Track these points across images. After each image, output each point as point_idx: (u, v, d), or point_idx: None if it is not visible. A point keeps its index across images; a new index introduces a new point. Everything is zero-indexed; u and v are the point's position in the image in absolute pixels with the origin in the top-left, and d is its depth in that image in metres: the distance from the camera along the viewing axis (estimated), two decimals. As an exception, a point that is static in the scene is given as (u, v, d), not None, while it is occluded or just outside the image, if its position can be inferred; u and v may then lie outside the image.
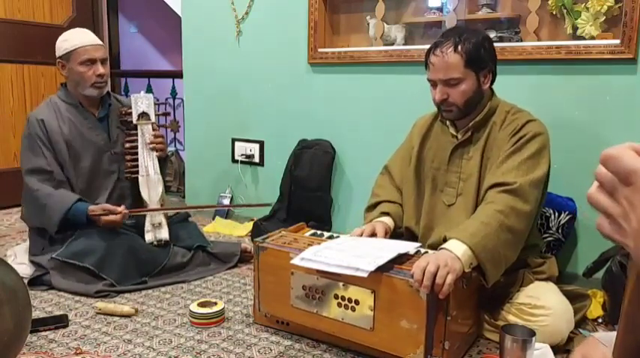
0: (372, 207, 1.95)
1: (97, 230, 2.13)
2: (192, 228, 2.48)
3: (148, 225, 2.25)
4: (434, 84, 1.74)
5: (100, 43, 2.28)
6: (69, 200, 2.12)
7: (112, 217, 2.11)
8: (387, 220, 1.87)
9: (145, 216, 2.28)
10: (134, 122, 2.30)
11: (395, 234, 1.87)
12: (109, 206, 2.13)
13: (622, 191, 0.45)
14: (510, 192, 1.59)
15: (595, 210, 0.49)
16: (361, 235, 1.78)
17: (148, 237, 2.23)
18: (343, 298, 1.54)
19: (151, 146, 2.31)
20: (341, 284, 1.53)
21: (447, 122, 1.83)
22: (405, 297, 1.43)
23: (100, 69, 2.21)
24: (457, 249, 1.48)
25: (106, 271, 2.05)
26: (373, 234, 1.78)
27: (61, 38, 2.25)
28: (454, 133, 1.81)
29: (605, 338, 0.68)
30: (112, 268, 2.06)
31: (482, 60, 1.69)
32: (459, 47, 1.67)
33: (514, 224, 1.56)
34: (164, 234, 2.25)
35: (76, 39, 2.22)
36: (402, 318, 1.44)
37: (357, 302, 1.51)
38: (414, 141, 1.92)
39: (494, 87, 1.80)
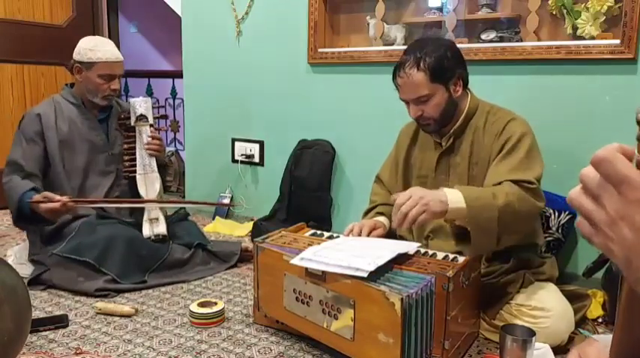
0: (368, 212, 1.97)
1: (97, 225, 2.16)
2: (192, 226, 2.49)
3: (145, 220, 2.28)
4: (406, 102, 1.75)
5: (122, 59, 2.30)
6: (23, 188, 2.11)
7: (50, 205, 2.04)
8: (382, 218, 1.88)
9: (142, 212, 2.30)
10: (132, 124, 2.35)
11: (391, 235, 1.87)
12: (49, 194, 2.08)
13: (610, 198, 0.44)
14: (526, 189, 1.58)
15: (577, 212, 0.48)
16: (352, 230, 1.79)
17: (145, 231, 2.25)
18: (327, 305, 1.51)
19: (147, 149, 2.34)
20: (326, 290, 1.50)
21: None
22: (381, 309, 1.35)
23: (116, 84, 2.27)
24: (452, 198, 1.51)
25: (106, 265, 2.06)
26: (369, 231, 1.80)
27: (87, 44, 2.24)
28: (438, 141, 1.82)
29: (604, 340, 0.68)
30: (112, 262, 2.07)
31: (447, 71, 1.69)
32: (421, 64, 1.66)
33: (521, 208, 1.56)
34: (161, 228, 2.27)
35: (102, 52, 2.22)
36: (379, 331, 1.37)
37: (339, 310, 1.47)
38: (400, 149, 1.94)
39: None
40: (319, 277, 1.49)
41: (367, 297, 1.39)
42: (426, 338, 1.40)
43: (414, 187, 1.59)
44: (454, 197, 1.52)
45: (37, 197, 2.06)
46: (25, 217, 2.12)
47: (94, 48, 2.22)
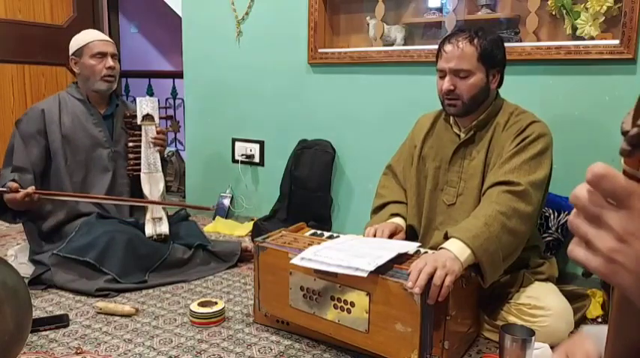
0: (378, 209, 1.93)
1: (98, 225, 2.17)
2: (193, 226, 2.49)
3: (148, 219, 2.29)
4: (442, 74, 1.72)
5: (111, 40, 2.41)
6: (4, 181, 2.14)
7: (11, 195, 2.06)
8: (400, 221, 1.86)
9: (145, 212, 2.32)
10: (138, 123, 2.38)
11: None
12: (12, 184, 2.08)
13: (615, 217, 0.41)
14: (514, 193, 1.58)
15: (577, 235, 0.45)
16: (374, 235, 1.76)
17: (148, 230, 2.25)
18: (339, 300, 1.53)
19: (152, 141, 2.37)
20: (338, 286, 1.53)
21: (451, 120, 1.82)
22: (399, 300, 1.41)
23: (110, 62, 2.31)
24: (458, 250, 1.47)
25: (106, 265, 2.07)
26: (390, 235, 1.78)
27: (74, 38, 2.37)
28: (457, 132, 1.80)
29: (594, 332, 0.67)
30: (112, 262, 2.08)
31: (494, 58, 1.70)
32: (475, 40, 1.67)
33: (516, 226, 1.56)
34: (164, 228, 2.28)
35: (87, 36, 2.35)
36: (397, 321, 1.42)
37: (352, 304, 1.50)
38: (416, 139, 1.91)
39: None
40: (330, 273, 1.50)
41: (383, 289, 1.44)
42: (436, 328, 1.42)
43: (421, 257, 1.47)
44: (457, 248, 1.48)
45: (10, 183, 2.09)
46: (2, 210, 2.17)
47: (80, 36, 2.36)
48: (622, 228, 0.41)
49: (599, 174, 0.41)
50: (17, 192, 2.06)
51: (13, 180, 2.13)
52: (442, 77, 1.73)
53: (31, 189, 2.08)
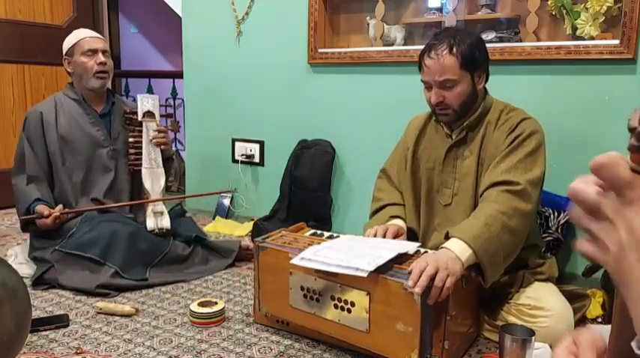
0: (376, 212, 1.93)
1: (98, 220, 2.19)
2: (189, 222, 2.51)
3: (149, 213, 2.30)
4: (428, 86, 1.72)
5: (101, 37, 2.42)
6: (27, 199, 2.20)
7: (43, 221, 2.14)
8: (400, 223, 1.86)
9: (146, 207, 2.34)
10: (139, 119, 2.39)
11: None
12: (40, 208, 2.15)
13: (608, 203, 0.43)
14: (513, 193, 1.58)
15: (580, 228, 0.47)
16: (375, 236, 1.76)
17: (150, 224, 2.26)
18: (340, 300, 1.53)
19: (154, 141, 2.39)
20: (338, 285, 1.53)
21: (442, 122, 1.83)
22: (400, 300, 1.42)
23: (101, 58, 2.31)
24: (459, 250, 1.47)
25: (110, 259, 2.08)
26: (394, 237, 1.77)
27: (65, 39, 2.37)
28: (448, 133, 1.81)
29: (599, 328, 0.68)
30: (115, 256, 2.09)
31: (476, 61, 1.69)
32: (454, 49, 1.65)
33: (516, 225, 1.56)
34: (166, 222, 2.29)
35: (77, 34, 2.36)
36: (398, 321, 1.43)
37: (352, 303, 1.51)
38: (408, 141, 1.92)
39: (488, 86, 1.80)
40: (330, 273, 1.50)
41: (384, 289, 1.44)
42: (436, 328, 1.42)
43: (422, 257, 1.48)
44: (458, 247, 1.48)
45: (40, 207, 2.15)
46: (30, 224, 2.22)
47: (71, 36, 2.37)
48: (613, 211, 0.43)
49: (600, 162, 0.44)
50: (48, 216, 2.11)
51: (38, 199, 2.18)
52: (428, 89, 1.73)
53: (58, 210, 2.15)
